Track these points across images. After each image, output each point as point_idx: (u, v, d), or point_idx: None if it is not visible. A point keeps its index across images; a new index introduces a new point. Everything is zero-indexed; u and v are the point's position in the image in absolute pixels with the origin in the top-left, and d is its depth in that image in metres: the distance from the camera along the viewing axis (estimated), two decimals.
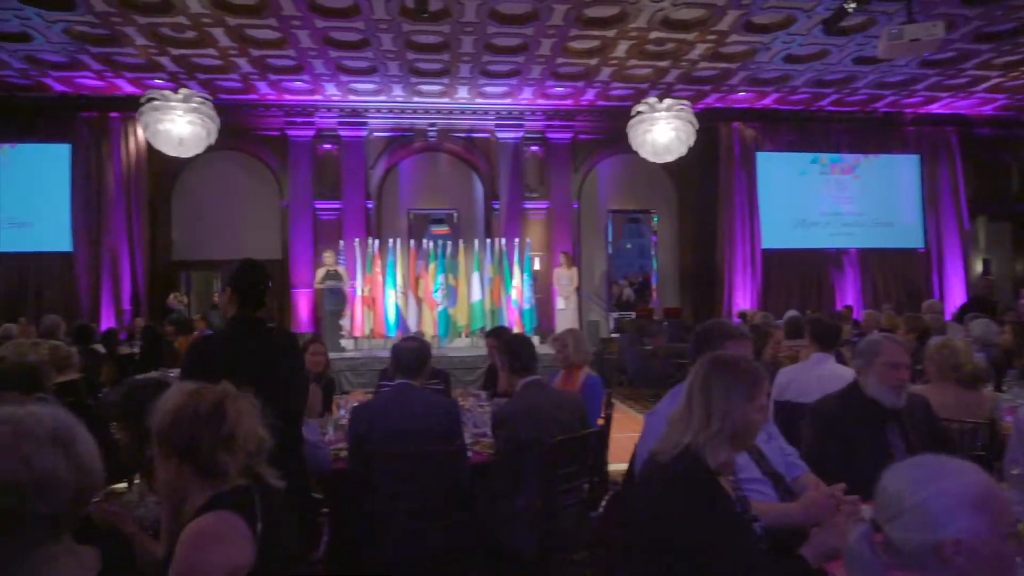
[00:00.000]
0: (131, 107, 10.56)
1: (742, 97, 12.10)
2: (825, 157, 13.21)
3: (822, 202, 13.23)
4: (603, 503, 2.27)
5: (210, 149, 10.52)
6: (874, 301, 12.52)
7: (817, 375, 3.87)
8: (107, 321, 11.06)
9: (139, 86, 10.69)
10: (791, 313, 9.90)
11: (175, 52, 9.56)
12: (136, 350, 8.45)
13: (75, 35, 8.95)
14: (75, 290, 11.43)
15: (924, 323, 6.08)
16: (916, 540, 1.26)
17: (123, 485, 3.15)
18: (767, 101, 12.34)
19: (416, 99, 11.85)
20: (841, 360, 4.30)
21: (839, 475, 2.23)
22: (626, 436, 4.94)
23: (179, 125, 9.81)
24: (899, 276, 13.25)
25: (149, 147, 10.81)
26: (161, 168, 11.77)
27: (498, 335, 4.89)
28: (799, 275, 13.07)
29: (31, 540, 1.14)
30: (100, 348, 7.54)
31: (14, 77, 10.43)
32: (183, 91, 9.96)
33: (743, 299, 12.56)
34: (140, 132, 10.73)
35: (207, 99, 10.12)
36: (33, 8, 8.06)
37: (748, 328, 2.77)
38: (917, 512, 1.26)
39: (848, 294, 13.06)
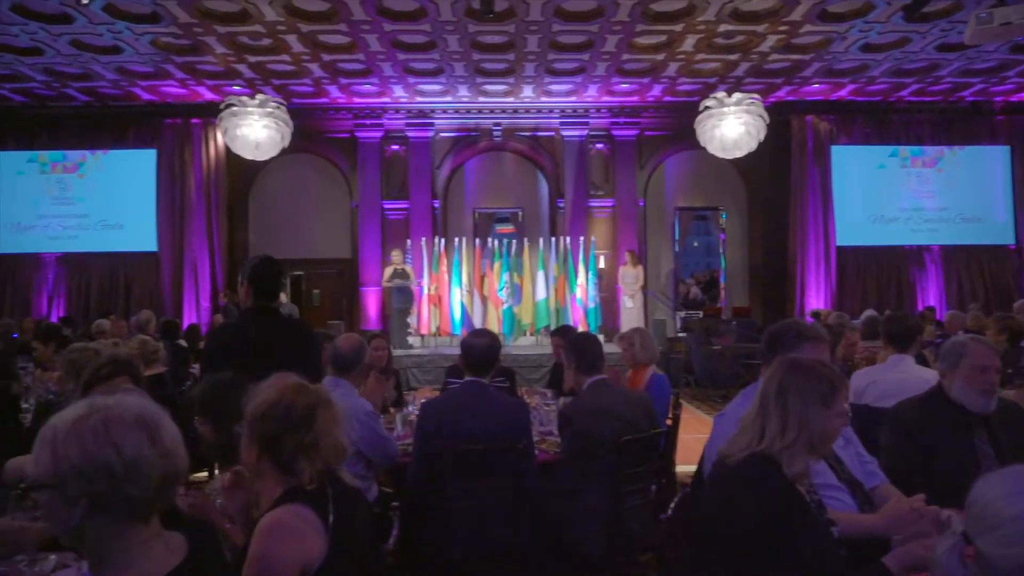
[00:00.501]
0: (211, 113, 11.06)
1: (816, 89, 11.67)
2: (905, 150, 12.62)
3: (902, 197, 12.64)
4: (671, 505, 2.24)
5: (284, 152, 10.91)
6: (959, 301, 11.87)
7: (897, 377, 3.69)
8: (189, 317, 11.60)
9: (218, 93, 11.16)
10: (868, 313, 9.53)
11: (252, 59, 9.93)
12: None
13: (161, 46, 9.41)
14: (160, 288, 12.04)
15: (1017, 324, 5.70)
16: (1012, 555, 1.19)
17: (204, 474, 3.31)
18: (842, 93, 11.87)
19: (481, 99, 11.94)
20: (923, 363, 4.09)
21: (919, 483, 2.13)
22: (693, 437, 4.85)
23: (255, 129, 10.21)
24: (987, 275, 12.51)
25: (227, 151, 11.30)
26: (238, 171, 12.27)
27: (563, 334, 4.87)
28: (876, 273, 12.53)
29: (122, 522, 1.19)
30: (183, 343, 7.92)
31: (106, 87, 11.05)
32: (259, 96, 10.35)
33: (816, 298, 12.13)
34: (219, 137, 11.22)
35: (281, 103, 10.50)
36: (124, 22, 8.53)
37: (824, 329, 2.65)
38: (1014, 525, 1.19)
39: (930, 293, 12.43)
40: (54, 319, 10.97)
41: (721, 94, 10.29)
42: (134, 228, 12.16)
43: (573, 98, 11.99)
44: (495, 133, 12.46)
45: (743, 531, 1.65)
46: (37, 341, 5.28)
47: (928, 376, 3.41)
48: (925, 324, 6.52)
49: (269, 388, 1.74)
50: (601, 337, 9.32)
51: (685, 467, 4.26)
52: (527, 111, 12.35)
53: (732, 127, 10.12)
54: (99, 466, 1.14)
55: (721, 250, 13.24)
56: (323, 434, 1.69)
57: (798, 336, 2.43)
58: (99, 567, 1.22)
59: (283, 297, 11.85)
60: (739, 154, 10.50)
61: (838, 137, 12.46)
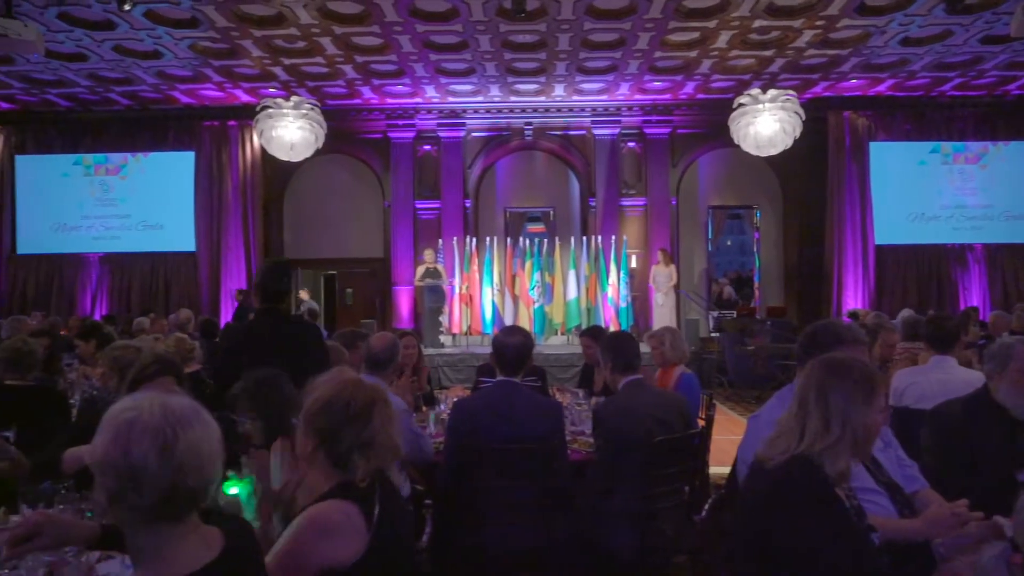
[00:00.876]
0: (248, 115, 11.27)
1: (853, 84, 11.43)
2: (947, 146, 12.28)
3: (943, 194, 12.31)
4: (705, 507, 2.21)
5: (318, 153, 11.06)
6: (1004, 301, 11.51)
7: (938, 378, 3.60)
8: (226, 316, 11.83)
9: (254, 95, 11.35)
10: (905, 312, 9.31)
11: (287, 61, 10.08)
12: None
13: (199, 50, 9.61)
14: (197, 287, 12.30)
15: None
16: None
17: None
18: (881, 88, 11.60)
19: (513, 98, 11.94)
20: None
21: (960, 486, 2.08)
22: (726, 439, 4.80)
23: (290, 131, 10.38)
24: None
25: (263, 152, 11.49)
26: (274, 172, 12.47)
27: (594, 335, 4.85)
28: (916, 273, 12.23)
29: (148, 517, 1.22)
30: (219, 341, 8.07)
31: (147, 91, 11.33)
32: (294, 98, 10.51)
33: (854, 298, 11.89)
34: (255, 138, 11.41)
35: (315, 105, 10.64)
36: (164, 27, 8.73)
37: (862, 331, 2.59)
38: None
39: (973, 293, 12.09)
40: (97, 317, 11.28)
41: (756, 91, 10.14)
42: (173, 228, 12.44)
43: (605, 96, 11.92)
44: (526, 132, 12.45)
45: (781, 536, 1.63)
46: (79, 339, 5.43)
47: (971, 378, 3.31)
48: (968, 325, 6.33)
49: (328, 383, 1.76)
50: None
51: (718, 469, 4.22)
52: (558, 110, 12.32)
53: (767, 124, 9.98)
54: (110, 463, 1.18)
55: (755, 249, 13.07)
56: (379, 432, 1.70)
57: (836, 338, 2.39)
58: (136, 558, 1.25)
59: (304, 294, 12.04)
60: (774, 152, 10.34)
61: (877, 133, 12.19)
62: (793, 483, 1.65)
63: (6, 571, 1.72)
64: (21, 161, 12.51)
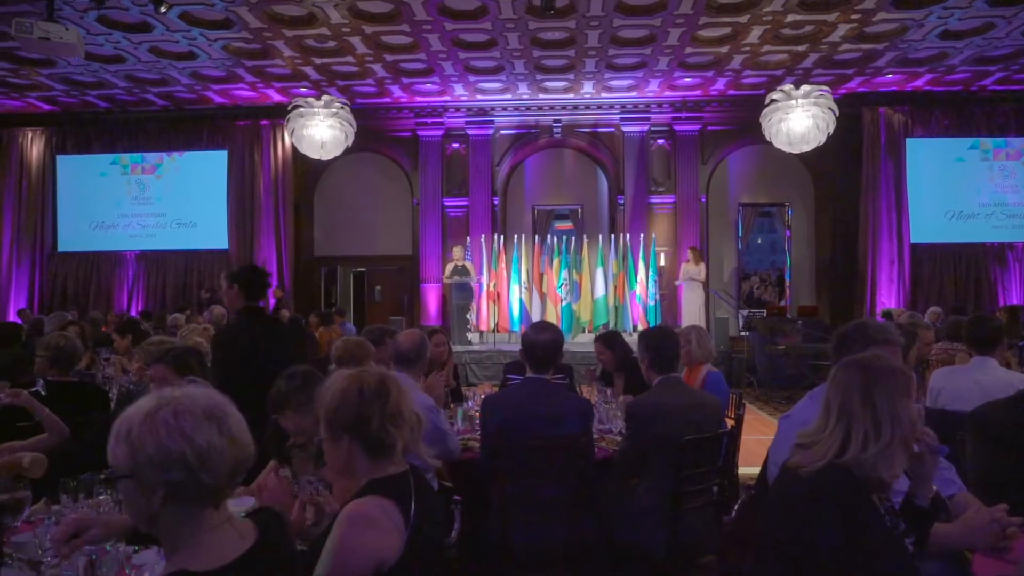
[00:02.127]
0: (279, 115, 11.42)
1: (889, 80, 11.19)
2: (987, 142, 11.96)
3: (982, 191, 12.00)
4: (734, 508, 2.19)
5: (347, 151, 11.16)
6: None
7: (976, 379, 3.51)
8: None
9: (286, 95, 11.51)
10: (933, 310, 9.10)
11: (318, 61, 10.19)
12: None
13: (232, 51, 9.76)
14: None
15: None
16: None
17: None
18: (918, 83, 11.34)
19: (541, 96, 11.92)
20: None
21: (1001, 490, 2.02)
22: (755, 439, 4.74)
23: (321, 129, 10.48)
24: None
25: (294, 151, 11.64)
26: (304, 170, 12.63)
27: (607, 341, 4.81)
28: (954, 272, 11.94)
29: (196, 508, 1.25)
30: None
31: (182, 92, 11.55)
32: (324, 98, 10.62)
33: (888, 297, 11.65)
34: (287, 137, 11.56)
35: (345, 104, 10.74)
36: (198, 28, 8.89)
37: (895, 331, 2.54)
38: None
39: (1013, 293, 11.77)
40: (134, 313, 11.55)
41: (788, 87, 9.99)
42: (207, 226, 12.67)
43: (634, 93, 11.84)
44: (555, 130, 12.42)
45: (814, 542, 1.60)
46: (116, 334, 5.56)
47: (1011, 379, 3.23)
48: (1017, 325, 6.16)
49: (333, 382, 1.78)
50: None
51: (747, 469, 4.17)
52: (587, 107, 12.27)
53: (799, 120, 9.82)
54: (174, 457, 1.20)
55: (786, 247, 12.87)
56: (401, 401, 1.73)
57: (866, 339, 2.35)
58: (173, 551, 1.27)
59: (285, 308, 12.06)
60: (806, 148, 10.18)
61: (913, 129, 11.92)
62: (832, 490, 1.61)
63: (55, 562, 1.79)
64: (62, 161, 12.85)
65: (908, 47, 9.78)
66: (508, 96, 11.94)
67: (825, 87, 10.03)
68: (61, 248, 12.89)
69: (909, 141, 11.88)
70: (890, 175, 11.80)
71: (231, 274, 3.67)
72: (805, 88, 9.81)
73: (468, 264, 10.70)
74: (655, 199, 12.36)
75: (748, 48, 9.79)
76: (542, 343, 3.15)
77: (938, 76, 11.00)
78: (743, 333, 11.40)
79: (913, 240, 11.83)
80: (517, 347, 3.39)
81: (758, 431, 6.52)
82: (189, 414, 1.23)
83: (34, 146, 12.76)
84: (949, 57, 10.18)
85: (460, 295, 10.37)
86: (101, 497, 2.02)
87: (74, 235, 12.85)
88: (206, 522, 1.26)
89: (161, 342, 3.77)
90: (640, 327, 9.96)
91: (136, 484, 1.22)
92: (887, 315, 9.70)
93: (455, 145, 12.62)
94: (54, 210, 12.84)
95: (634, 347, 3.97)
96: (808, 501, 1.65)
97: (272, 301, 11.59)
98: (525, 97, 11.98)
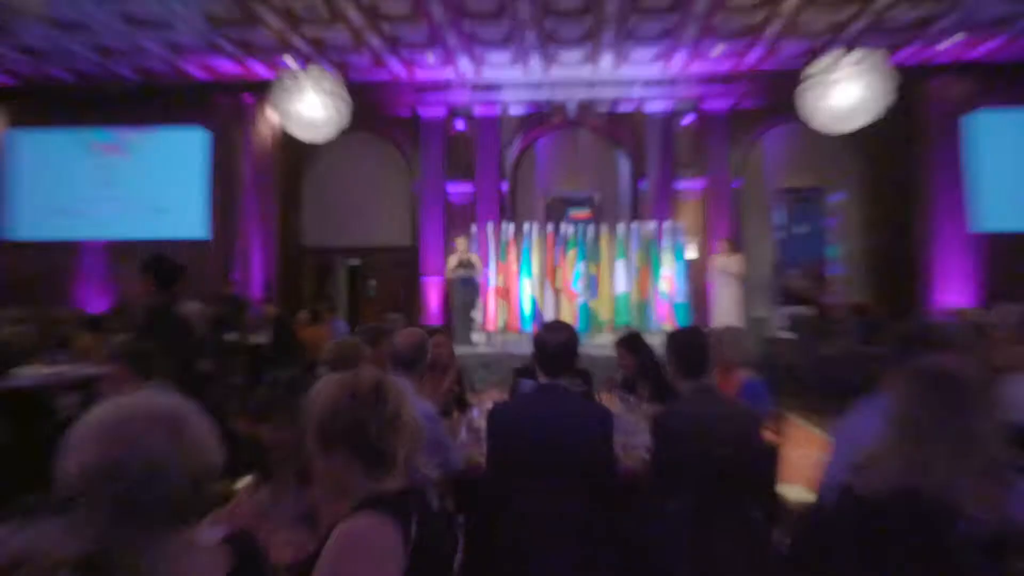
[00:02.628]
0: (264, 91, 11.35)
1: (950, 47, 11.01)
2: None
3: None
4: (778, 531, 2.12)
5: (341, 132, 11.10)
6: None
7: None
8: None
9: (273, 69, 11.47)
10: (1008, 307, 8.92)
11: (308, 32, 10.14)
12: (262, 339, 9.09)
13: (212, 18, 9.73)
14: (206, 277, 12.46)
15: None
16: None
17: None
18: (985, 49, 11.14)
19: (555, 71, 11.84)
20: None
21: None
22: (800, 454, 4.64)
23: (310, 105, 10.41)
24: None
25: (281, 131, 11.59)
26: (291, 151, 12.59)
27: (630, 345, 4.75)
28: None
29: (156, 529, 1.21)
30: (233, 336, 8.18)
31: (155, 63, 11.52)
32: (313, 67, 10.54)
33: (952, 293, 11.49)
34: (272, 115, 11.51)
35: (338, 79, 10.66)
36: None
37: (962, 332, 2.47)
38: None
39: None
40: (97, 311, 11.54)
41: (832, 57, 9.83)
42: (181, 213, 12.61)
43: (657, 67, 11.74)
44: (569, 108, 12.34)
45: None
46: (77, 332, 5.55)
47: None
48: None
49: (321, 388, 1.74)
50: None
51: (789, 487, 4.09)
52: (605, 83, 12.18)
53: (845, 94, 9.65)
54: (115, 465, 1.18)
55: (832, 238, 12.75)
56: (399, 405, 1.70)
57: (932, 341, 2.29)
58: None
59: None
60: (854, 126, 10.02)
61: (979, 103, 11.73)
62: (900, 520, 1.54)
63: None
64: (17, 137, 12.70)
65: (974, 7, 9.59)
66: (518, 71, 11.87)
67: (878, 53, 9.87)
68: (14, 236, 12.81)
69: (974, 117, 11.71)
70: (952, 155, 11.64)
71: (144, 264, 4.15)
72: (853, 55, 9.64)
73: (474, 256, 10.64)
74: (681, 184, 12.28)
75: (786, 14, 9.66)
76: (554, 343, 3.10)
77: (1009, 40, 10.78)
78: (784, 334, 11.30)
79: (982, 228, 11.66)
80: (528, 349, 3.34)
81: (802, 445, 6.42)
82: (136, 419, 1.21)
83: None
84: (1023, 19, 9.97)
85: (465, 291, 10.31)
86: (45, 522, 1.96)
87: (30, 221, 12.75)
88: (171, 547, 1.22)
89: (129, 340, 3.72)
90: (666, 327, 9.87)
91: (85, 504, 1.19)
92: (955, 314, 9.58)
93: (459, 125, 12.57)
94: (6, 193, 12.76)
95: (659, 350, 3.91)
96: (874, 532, 1.58)
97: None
98: (537, 72, 11.90)
